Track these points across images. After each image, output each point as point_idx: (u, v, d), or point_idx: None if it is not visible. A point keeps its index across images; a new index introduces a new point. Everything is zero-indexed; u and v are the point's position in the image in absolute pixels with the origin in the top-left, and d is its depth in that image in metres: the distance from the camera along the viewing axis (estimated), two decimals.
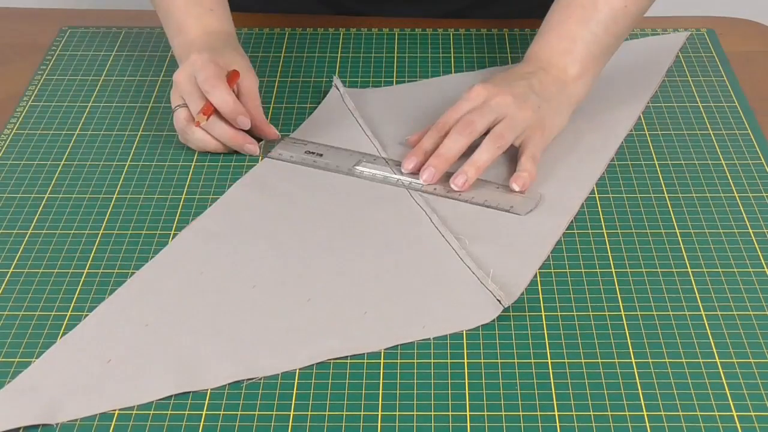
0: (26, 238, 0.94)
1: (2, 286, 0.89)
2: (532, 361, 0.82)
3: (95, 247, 0.93)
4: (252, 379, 0.80)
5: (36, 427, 0.77)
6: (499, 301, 0.86)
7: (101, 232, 0.95)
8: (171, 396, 0.79)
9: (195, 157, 1.04)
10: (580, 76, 1.04)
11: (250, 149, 1.03)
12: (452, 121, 1.00)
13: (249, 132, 1.03)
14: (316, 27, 1.25)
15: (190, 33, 1.07)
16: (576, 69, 1.04)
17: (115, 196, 0.99)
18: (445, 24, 1.25)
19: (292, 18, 1.27)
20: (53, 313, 0.86)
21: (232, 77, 1.02)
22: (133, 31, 1.25)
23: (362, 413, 0.78)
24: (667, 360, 0.82)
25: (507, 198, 0.97)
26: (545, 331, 0.84)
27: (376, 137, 1.06)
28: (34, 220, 0.96)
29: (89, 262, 0.91)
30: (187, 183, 1.00)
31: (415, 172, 0.99)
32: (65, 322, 0.85)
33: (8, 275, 0.90)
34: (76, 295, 0.88)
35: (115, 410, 0.78)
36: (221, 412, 0.78)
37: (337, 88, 1.12)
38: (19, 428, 0.77)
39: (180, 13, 1.08)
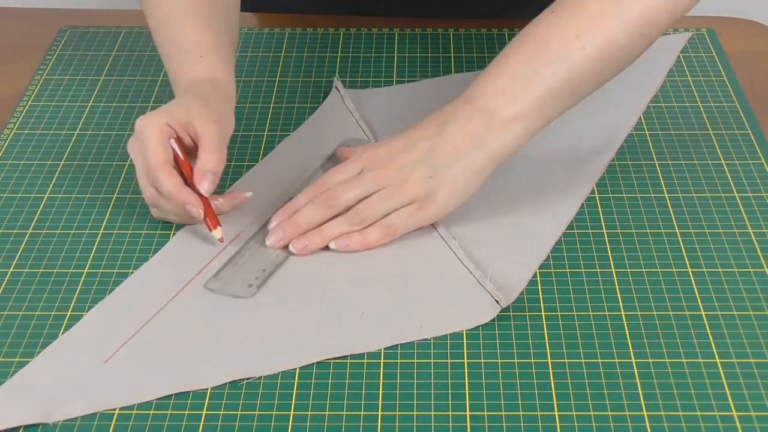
0: (26, 238, 0.94)
1: (2, 286, 0.89)
2: (532, 361, 0.82)
3: (95, 247, 0.93)
4: (251, 378, 0.80)
5: (36, 427, 0.77)
6: (497, 301, 0.86)
7: (101, 232, 0.95)
8: (171, 396, 0.79)
9: None
10: (514, 120, 0.90)
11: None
12: (329, 184, 0.93)
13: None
14: (316, 27, 1.25)
15: (181, 84, 0.98)
16: (510, 111, 0.90)
17: (115, 196, 0.99)
18: (445, 24, 1.25)
19: (292, 18, 1.27)
20: (53, 313, 0.86)
21: (178, 141, 0.92)
22: (133, 31, 1.25)
23: (362, 413, 0.78)
24: (667, 360, 0.82)
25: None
26: (545, 331, 0.84)
27: (376, 138, 1.06)
28: (34, 220, 0.96)
29: (89, 262, 0.91)
30: None
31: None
32: (65, 322, 0.85)
33: (8, 275, 0.90)
34: (76, 295, 0.88)
35: (114, 409, 0.78)
36: (221, 412, 0.78)
37: (338, 90, 1.12)
38: (20, 428, 0.77)
39: (174, 64, 1.00)
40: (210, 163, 0.90)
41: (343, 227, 0.91)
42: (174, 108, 0.93)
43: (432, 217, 0.92)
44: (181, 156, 0.92)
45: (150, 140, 0.90)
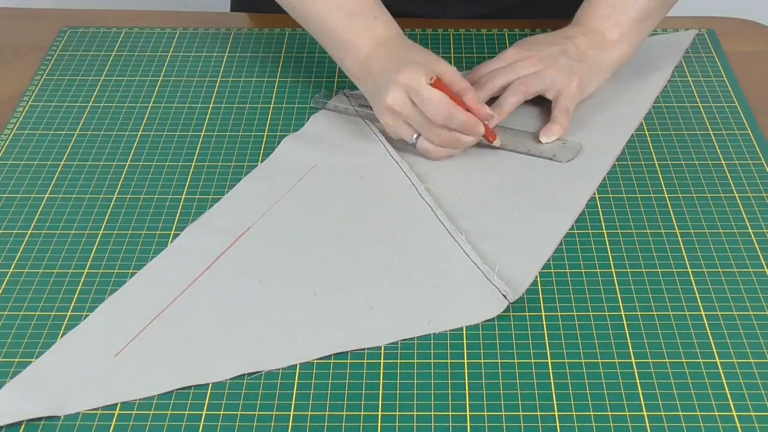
0: (26, 238, 0.94)
1: (2, 286, 0.89)
2: (532, 361, 0.82)
3: (95, 247, 0.93)
4: (257, 373, 0.81)
5: (37, 424, 0.77)
6: (504, 296, 0.86)
7: (101, 232, 0.95)
8: (171, 395, 0.79)
9: (195, 157, 1.04)
10: (618, 40, 1.07)
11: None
12: (478, 77, 1.07)
13: None
14: None
15: (362, 48, 1.02)
16: (615, 34, 1.07)
17: (115, 196, 0.99)
18: (444, 24, 1.25)
19: (291, 18, 1.27)
20: (53, 313, 0.86)
21: (437, 84, 0.98)
22: (133, 31, 1.25)
23: (362, 413, 0.78)
24: (667, 360, 0.82)
25: (548, 147, 1.03)
26: (545, 331, 0.84)
27: (386, 138, 1.05)
28: (34, 220, 0.96)
29: (89, 262, 0.91)
30: (187, 183, 1.00)
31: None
32: (65, 322, 0.85)
33: (8, 275, 0.90)
34: (76, 295, 0.88)
35: (127, 400, 0.79)
36: (221, 412, 0.78)
37: (346, 96, 1.11)
38: (22, 422, 0.77)
39: (343, 30, 1.03)
40: (471, 92, 1.01)
41: (517, 96, 1.05)
42: (416, 62, 0.99)
43: (579, 94, 1.05)
44: (449, 91, 0.99)
45: (424, 85, 0.97)
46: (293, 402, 0.79)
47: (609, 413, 0.77)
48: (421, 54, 1.01)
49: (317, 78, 1.16)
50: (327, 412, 0.78)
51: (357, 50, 1.02)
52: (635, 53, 1.10)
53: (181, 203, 0.98)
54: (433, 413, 0.78)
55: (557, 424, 0.77)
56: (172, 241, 0.93)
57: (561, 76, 1.05)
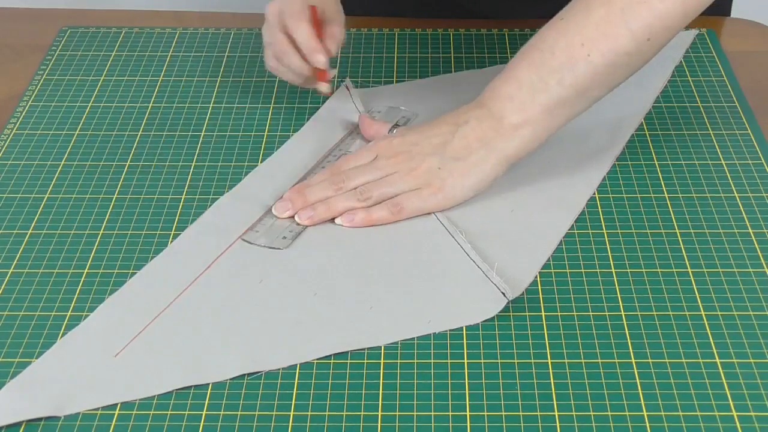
0: (26, 238, 0.94)
1: (2, 286, 0.89)
2: (532, 361, 0.82)
3: (95, 247, 0.93)
4: (257, 373, 0.81)
5: (37, 425, 0.77)
6: (503, 294, 0.86)
7: (101, 232, 0.95)
8: (171, 395, 0.79)
9: (195, 157, 1.04)
10: (521, 126, 0.93)
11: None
12: (344, 168, 0.96)
13: None
14: None
15: None
16: (516, 118, 0.93)
17: (115, 196, 0.99)
18: (445, 24, 1.25)
19: None
20: (53, 313, 0.86)
21: (313, 14, 1.03)
22: (133, 31, 1.25)
23: (362, 413, 0.78)
24: (667, 360, 0.82)
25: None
26: (545, 331, 0.84)
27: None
28: (34, 220, 0.96)
29: (89, 262, 0.91)
30: (187, 183, 1.00)
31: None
32: (65, 322, 0.85)
33: (8, 275, 0.90)
34: (76, 295, 0.88)
35: (127, 400, 0.79)
36: (221, 412, 0.78)
37: (347, 89, 1.12)
38: (22, 422, 0.77)
39: None
40: (339, 34, 1.03)
41: (350, 202, 0.94)
42: None
43: (439, 203, 0.94)
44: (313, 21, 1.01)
45: (294, 2, 1.01)
46: (293, 402, 0.79)
47: (609, 413, 0.77)
48: None
49: None
50: (327, 412, 0.78)
51: None
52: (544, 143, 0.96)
53: (181, 203, 0.98)
54: (433, 413, 0.78)
55: (557, 424, 0.77)
56: (172, 241, 0.93)
57: (417, 183, 0.94)
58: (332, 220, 0.95)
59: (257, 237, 0.93)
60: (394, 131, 1.00)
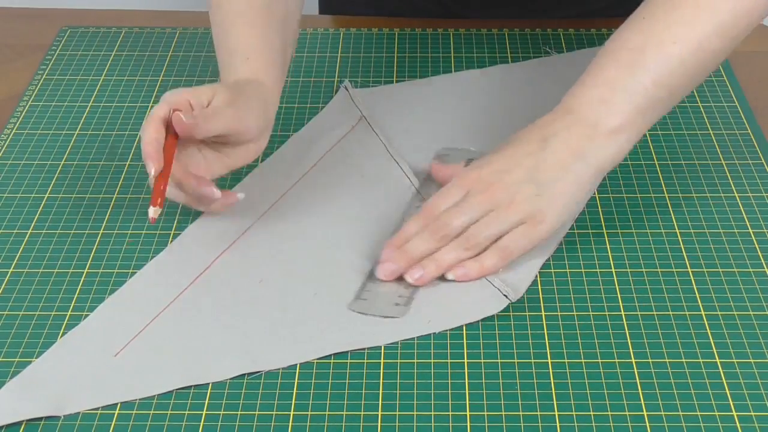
0: (26, 238, 0.94)
1: (2, 286, 0.89)
2: (532, 361, 0.82)
3: (95, 247, 0.93)
4: (257, 373, 0.81)
5: (37, 424, 0.77)
6: (506, 296, 0.86)
7: (101, 232, 0.95)
8: (171, 395, 0.79)
9: None
10: (618, 131, 0.89)
11: (206, 192, 0.90)
12: (437, 211, 0.90)
13: None
14: (316, 27, 1.25)
15: (225, 83, 0.95)
16: (613, 122, 0.89)
17: (115, 196, 0.99)
18: (445, 24, 1.25)
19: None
20: (53, 313, 0.86)
21: (175, 117, 0.88)
22: (133, 31, 1.25)
23: (362, 413, 0.78)
24: (667, 360, 0.82)
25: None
26: (545, 331, 0.84)
27: (386, 138, 1.05)
28: (34, 220, 0.96)
29: (89, 262, 0.91)
30: None
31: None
32: (65, 322, 0.85)
33: (8, 275, 0.90)
34: (76, 295, 0.88)
35: (127, 400, 0.79)
36: (221, 412, 0.78)
37: (347, 90, 1.12)
38: (22, 422, 0.77)
39: (222, 63, 0.97)
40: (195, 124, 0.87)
41: (457, 253, 0.88)
42: (203, 87, 0.91)
43: (544, 235, 0.89)
44: (176, 131, 0.88)
45: (163, 100, 0.89)
46: (293, 402, 0.79)
47: (609, 413, 0.77)
48: (230, 94, 0.90)
49: (317, 78, 1.16)
50: (327, 412, 0.78)
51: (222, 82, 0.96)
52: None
53: (181, 203, 0.98)
54: (433, 413, 0.78)
55: (557, 424, 0.77)
56: (172, 241, 0.93)
57: (519, 216, 0.88)
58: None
59: (368, 307, 0.86)
60: (470, 164, 0.93)
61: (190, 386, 0.80)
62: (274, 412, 0.78)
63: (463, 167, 0.95)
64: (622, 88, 0.89)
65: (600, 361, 0.82)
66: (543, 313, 0.86)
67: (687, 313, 0.86)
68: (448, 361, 0.82)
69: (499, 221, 0.88)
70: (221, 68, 0.97)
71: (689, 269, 0.90)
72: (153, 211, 0.86)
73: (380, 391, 0.79)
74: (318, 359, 0.82)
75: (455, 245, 0.88)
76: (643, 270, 0.90)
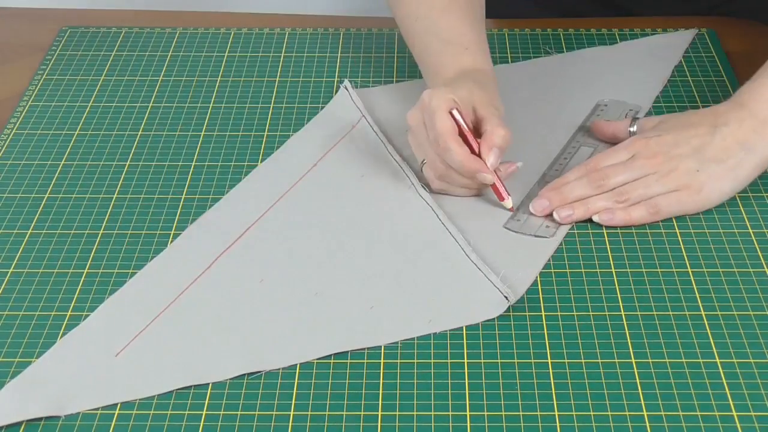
0: (26, 238, 0.94)
1: (2, 286, 0.89)
2: (532, 361, 0.82)
3: (95, 247, 0.93)
4: (257, 373, 0.81)
5: (37, 424, 0.77)
6: (506, 297, 0.86)
7: (101, 232, 0.95)
8: (171, 395, 0.79)
9: (195, 157, 1.04)
10: None
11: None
12: (601, 165, 0.95)
13: None
14: (316, 27, 1.25)
15: (446, 73, 1.00)
16: None
17: (115, 196, 0.99)
18: None
19: (291, 18, 1.27)
20: (53, 313, 0.86)
21: (462, 116, 0.94)
22: (133, 31, 1.25)
23: (362, 413, 0.78)
24: (667, 360, 0.82)
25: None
26: (545, 331, 0.84)
27: (387, 137, 1.05)
28: (34, 220, 0.96)
29: (89, 262, 0.91)
30: (187, 183, 1.00)
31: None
32: (65, 322, 0.85)
33: (8, 275, 0.90)
34: (76, 295, 0.88)
35: (127, 400, 0.79)
36: (221, 412, 0.78)
37: (347, 89, 1.12)
38: (22, 422, 0.77)
39: (435, 55, 1.02)
40: (497, 138, 0.93)
41: (607, 203, 0.94)
42: (458, 87, 0.96)
43: (696, 205, 0.94)
44: (465, 127, 0.94)
45: (439, 109, 0.93)
46: (293, 402, 0.79)
47: (609, 413, 0.77)
48: (483, 91, 0.96)
49: (317, 78, 1.16)
50: (327, 412, 0.78)
51: (442, 74, 1.01)
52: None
53: (181, 203, 0.98)
54: (433, 413, 0.78)
55: (557, 424, 0.77)
56: (172, 241, 0.93)
57: (674, 185, 0.93)
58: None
59: (521, 226, 0.94)
60: (634, 126, 1.00)
61: (190, 386, 0.80)
62: (274, 412, 0.78)
63: (627, 126, 1.00)
64: None
65: (600, 361, 0.82)
66: (543, 313, 0.86)
67: (687, 313, 0.86)
68: (448, 361, 0.82)
69: (655, 184, 0.93)
70: (433, 56, 1.03)
71: (689, 269, 0.90)
72: (511, 201, 0.95)
73: (380, 391, 0.79)
74: (318, 359, 0.82)
75: (608, 196, 0.94)
76: (643, 270, 0.90)
